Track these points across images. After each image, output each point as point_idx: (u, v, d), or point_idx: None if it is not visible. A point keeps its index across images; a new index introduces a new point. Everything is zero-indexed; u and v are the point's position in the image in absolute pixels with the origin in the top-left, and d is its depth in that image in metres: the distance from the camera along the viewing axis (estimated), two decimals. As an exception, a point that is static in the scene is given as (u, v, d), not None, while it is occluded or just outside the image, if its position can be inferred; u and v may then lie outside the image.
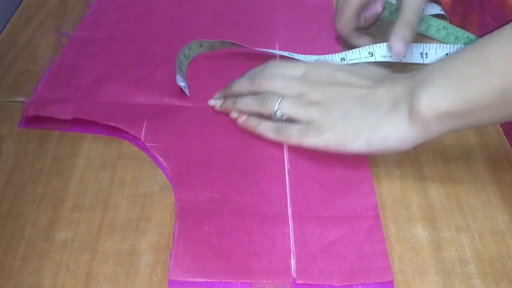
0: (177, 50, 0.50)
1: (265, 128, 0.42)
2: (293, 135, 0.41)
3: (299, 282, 0.34)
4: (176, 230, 0.37)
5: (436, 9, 0.58)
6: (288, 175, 0.41)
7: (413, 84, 0.37)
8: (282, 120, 0.41)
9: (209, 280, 0.35)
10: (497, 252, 0.37)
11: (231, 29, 0.56)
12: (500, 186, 0.41)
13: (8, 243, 0.37)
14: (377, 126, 0.37)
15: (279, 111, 0.41)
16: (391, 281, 0.35)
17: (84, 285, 0.34)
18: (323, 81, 0.41)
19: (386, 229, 0.38)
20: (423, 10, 0.51)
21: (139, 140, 0.43)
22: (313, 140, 0.40)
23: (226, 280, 0.35)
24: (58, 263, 0.36)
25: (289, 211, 0.38)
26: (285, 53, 0.50)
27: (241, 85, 0.44)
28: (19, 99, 0.48)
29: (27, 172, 0.42)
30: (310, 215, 0.38)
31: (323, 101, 0.40)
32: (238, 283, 0.35)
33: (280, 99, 0.41)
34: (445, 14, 0.57)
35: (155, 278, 0.35)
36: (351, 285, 0.34)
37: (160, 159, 0.41)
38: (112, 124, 0.43)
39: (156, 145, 0.42)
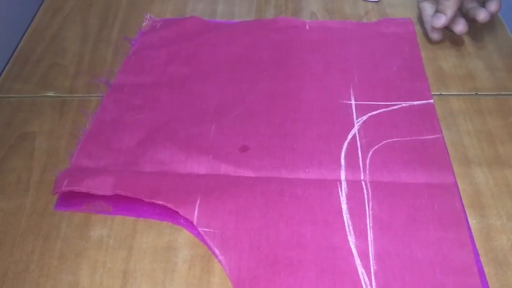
0: (232, 99, 0.44)
1: None
2: None
3: None
4: None
5: None
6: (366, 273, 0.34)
7: None
8: None
9: None
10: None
11: (295, 69, 0.48)
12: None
13: (44, 242, 0.36)
14: None
15: None
16: None
17: (121, 283, 0.34)
18: None
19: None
20: None
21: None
22: None
23: None
24: (95, 261, 0.35)
25: None
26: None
27: None
28: (49, 93, 0.48)
29: (61, 168, 0.41)
30: None
31: None
32: None
33: None
34: None
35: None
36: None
37: (216, 251, 0.35)
38: (160, 202, 0.37)
39: (211, 230, 0.36)
